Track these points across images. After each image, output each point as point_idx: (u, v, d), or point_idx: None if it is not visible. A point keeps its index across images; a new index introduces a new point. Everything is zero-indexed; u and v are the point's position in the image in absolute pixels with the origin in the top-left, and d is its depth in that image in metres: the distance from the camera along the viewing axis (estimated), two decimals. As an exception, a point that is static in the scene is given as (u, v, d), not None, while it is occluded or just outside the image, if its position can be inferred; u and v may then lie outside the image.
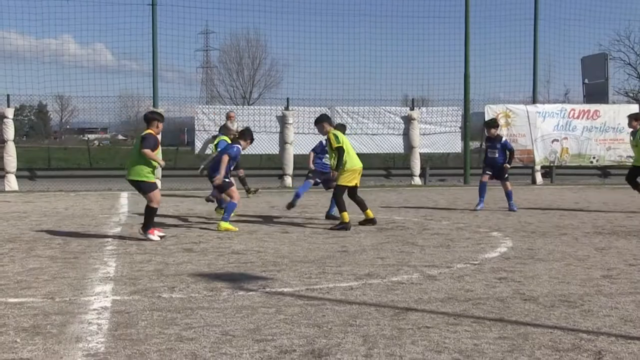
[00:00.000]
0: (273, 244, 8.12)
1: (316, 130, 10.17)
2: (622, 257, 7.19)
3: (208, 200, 11.36)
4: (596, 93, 21.89)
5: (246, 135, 9.66)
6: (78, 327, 4.43)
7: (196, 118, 17.83)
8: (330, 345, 4.06)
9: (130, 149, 19.64)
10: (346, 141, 9.57)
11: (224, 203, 10.01)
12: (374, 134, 18.73)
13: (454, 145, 19.61)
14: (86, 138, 47.02)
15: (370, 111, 18.92)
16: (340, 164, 9.41)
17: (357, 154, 9.91)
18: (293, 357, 3.84)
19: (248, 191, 14.42)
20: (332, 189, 9.90)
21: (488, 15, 33.15)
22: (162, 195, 10.09)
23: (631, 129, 11.65)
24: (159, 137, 8.72)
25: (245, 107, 22.34)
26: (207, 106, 19.52)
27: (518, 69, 34.07)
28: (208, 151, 11.80)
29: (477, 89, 34.18)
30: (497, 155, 12.00)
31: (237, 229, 9.25)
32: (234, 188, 9.47)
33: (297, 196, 10.59)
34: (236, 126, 11.41)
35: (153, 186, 8.30)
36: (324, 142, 10.27)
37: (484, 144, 13.53)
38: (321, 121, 9.74)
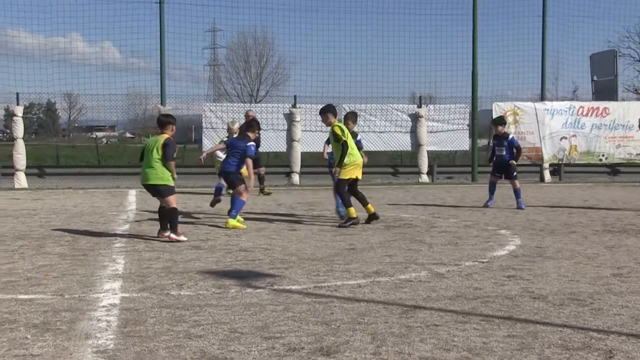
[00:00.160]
0: (281, 241, 8.12)
1: (324, 128, 10.04)
2: (632, 255, 7.16)
3: (213, 204, 11.21)
4: (605, 90, 21.78)
5: (254, 127, 9.71)
6: (87, 324, 4.44)
7: (204, 116, 17.88)
8: (338, 342, 4.05)
9: (138, 147, 19.70)
10: (348, 134, 9.52)
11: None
12: (381, 132, 18.70)
13: (461, 142, 19.56)
14: (94, 136, 47.23)
15: (378, 109, 18.89)
16: (343, 160, 9.36)
17: (365, 152, 9.84)
18: (301, 355, 3.83)
19: (262, 190, 14.43)
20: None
21: (496, 13, 33.05)
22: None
23: None
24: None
25: (252, 104, 22.37)
26: (214, 104, 19.55)
27: (526, 66, 34.02)
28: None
29: (484, 87, 34.03)
30: (504, 153, 11.97)
31: (245, 226, 9.26)
32: (244, 186, 9.45)
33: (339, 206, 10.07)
34: (237, 126, 11.38)
35: (173, 189, 8.34)
36: None
37: (491, 141, 13.50)
38: (326, 111, 9.60)
